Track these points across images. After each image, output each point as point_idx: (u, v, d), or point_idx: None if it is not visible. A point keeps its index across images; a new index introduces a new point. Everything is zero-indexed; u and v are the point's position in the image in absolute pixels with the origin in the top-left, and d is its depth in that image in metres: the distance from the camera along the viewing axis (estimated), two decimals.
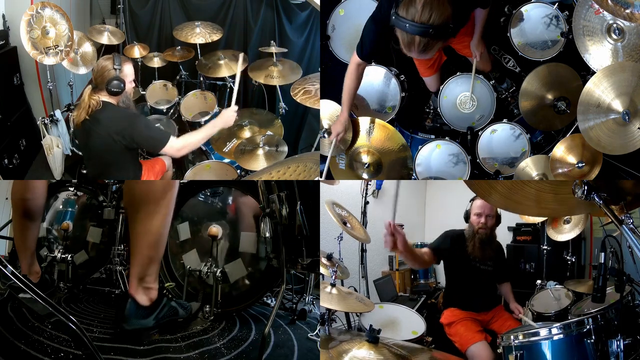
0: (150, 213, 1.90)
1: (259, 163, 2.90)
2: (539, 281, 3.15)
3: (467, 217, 2.88)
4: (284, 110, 3.44)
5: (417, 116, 2.96)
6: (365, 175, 2.68)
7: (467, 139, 2.60)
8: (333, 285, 2.21)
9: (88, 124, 2.46)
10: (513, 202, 1.73)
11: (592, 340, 1.80)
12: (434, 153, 2.63)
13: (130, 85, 2.58)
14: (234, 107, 2.77)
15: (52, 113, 3.20)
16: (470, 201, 2.90)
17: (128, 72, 2.56)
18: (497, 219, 2.84)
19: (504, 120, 2.57)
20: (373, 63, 2.71)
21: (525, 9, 2.48)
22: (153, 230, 1.92)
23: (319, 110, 2.61)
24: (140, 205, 1.91)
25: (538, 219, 3.31)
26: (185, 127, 3.55)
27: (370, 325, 1.69)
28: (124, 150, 2.54)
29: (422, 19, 1.85)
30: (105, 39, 3.63)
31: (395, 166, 2.63)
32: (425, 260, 2.71)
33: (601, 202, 1.46)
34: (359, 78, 2.46)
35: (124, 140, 2.47)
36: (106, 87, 2.46)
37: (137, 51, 3.79)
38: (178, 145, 2.56)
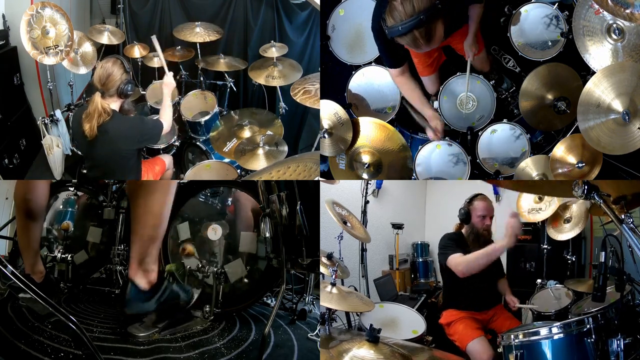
0: (150, 191, 1.92)
1: (259, 163, 2.90)
2: (539, 280, 3.15)
3: (465, 217, 2.84)
4: (284, 110, 3.44)
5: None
6: (365, 175, 2.68)
7: (467, 139, 2.60)
8: (333, 284, 2.21)
9: (96, 135, 2.46)
10: None
11: (593, 340, 1.80)
12: (434, 153, 2.63)
13: None
14: (168, 74, 3.00)
15: (52, 113, 3.19)
16: (468, 201, 2.87)
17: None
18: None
19: (504, 120, 2.57)
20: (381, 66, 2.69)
21: (525, 9, 2.48)
22: (154, 210, 1.94)
23: (319, 110, 2.61)
24: (141, 185, 1.96)
25: (538, 218, 3.31)
26: (185, 127, 3.55)
27: (371, 325, 1.69)
28: (132, 154, 2.62)
29: (407, 14, 1.94)
30: (105, 39, 3.63)
31: (396, 166, 2.63)
32: None
33: (601, 201, 1.46)
34: (409, 83, 2.55)
35: (138, 144, 2.65)
36: (122, 91, 2.48)
37: (137, 51, 3.79)
38: (166, 126, 2.80)
